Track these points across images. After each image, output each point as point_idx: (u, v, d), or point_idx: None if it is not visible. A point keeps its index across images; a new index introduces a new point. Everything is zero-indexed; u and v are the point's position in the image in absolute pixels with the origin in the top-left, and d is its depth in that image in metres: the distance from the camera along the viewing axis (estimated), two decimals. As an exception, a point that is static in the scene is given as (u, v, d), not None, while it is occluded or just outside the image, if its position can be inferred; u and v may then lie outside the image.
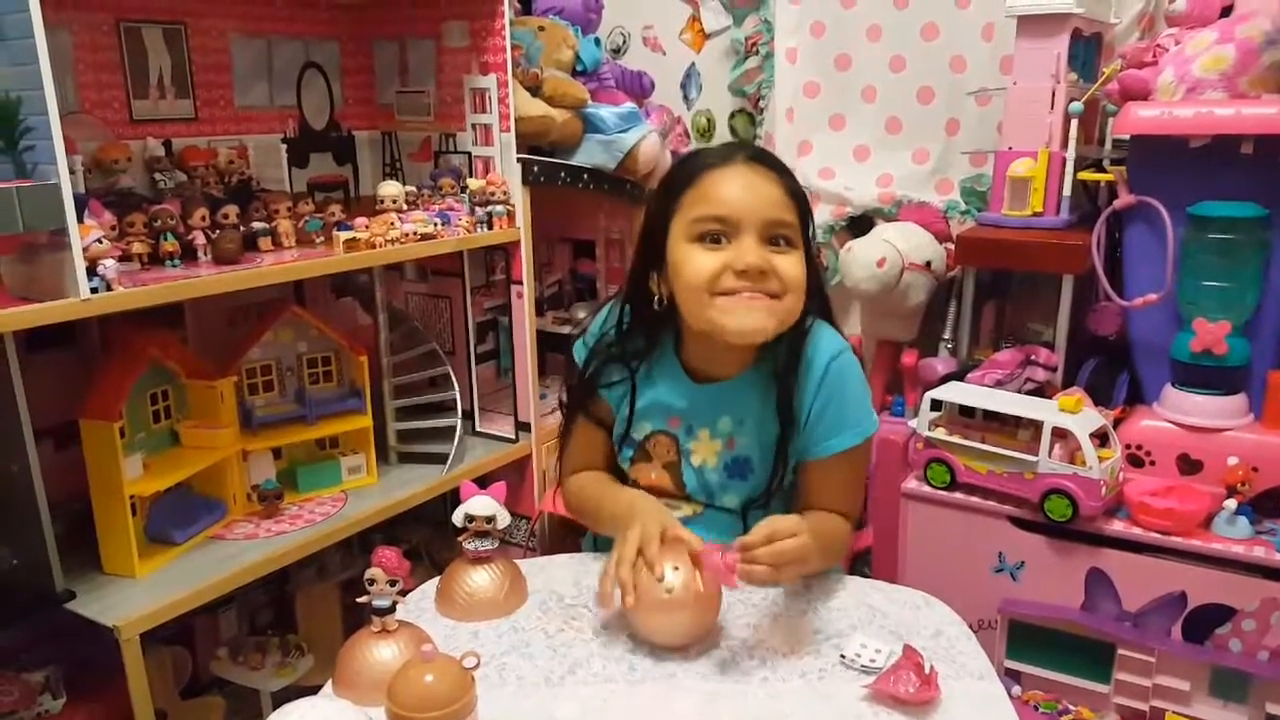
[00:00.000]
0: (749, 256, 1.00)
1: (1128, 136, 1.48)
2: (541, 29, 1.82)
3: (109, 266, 1.16)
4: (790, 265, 1.03)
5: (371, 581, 0.92)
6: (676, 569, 0.94)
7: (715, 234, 1.03)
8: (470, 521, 1.05)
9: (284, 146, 1.77)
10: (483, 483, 1.08)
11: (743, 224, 1.02)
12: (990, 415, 1.45)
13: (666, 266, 1.07)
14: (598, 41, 1.94)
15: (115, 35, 1.49)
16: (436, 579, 1.09)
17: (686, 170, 1.08)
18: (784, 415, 1.08)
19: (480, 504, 1.05)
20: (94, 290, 1.14)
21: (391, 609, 0.92)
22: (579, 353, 1.20)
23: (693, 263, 1.03)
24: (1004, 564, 1.46)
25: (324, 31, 1.83)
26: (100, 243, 1.16)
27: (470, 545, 1.06)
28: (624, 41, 2.24)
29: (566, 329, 2.07)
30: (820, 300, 1.13)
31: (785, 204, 1.04)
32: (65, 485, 1.32)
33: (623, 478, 1.22)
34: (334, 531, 1.50)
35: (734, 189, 1.03)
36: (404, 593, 0.95)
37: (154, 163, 1.52)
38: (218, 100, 1.65)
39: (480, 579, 1.05)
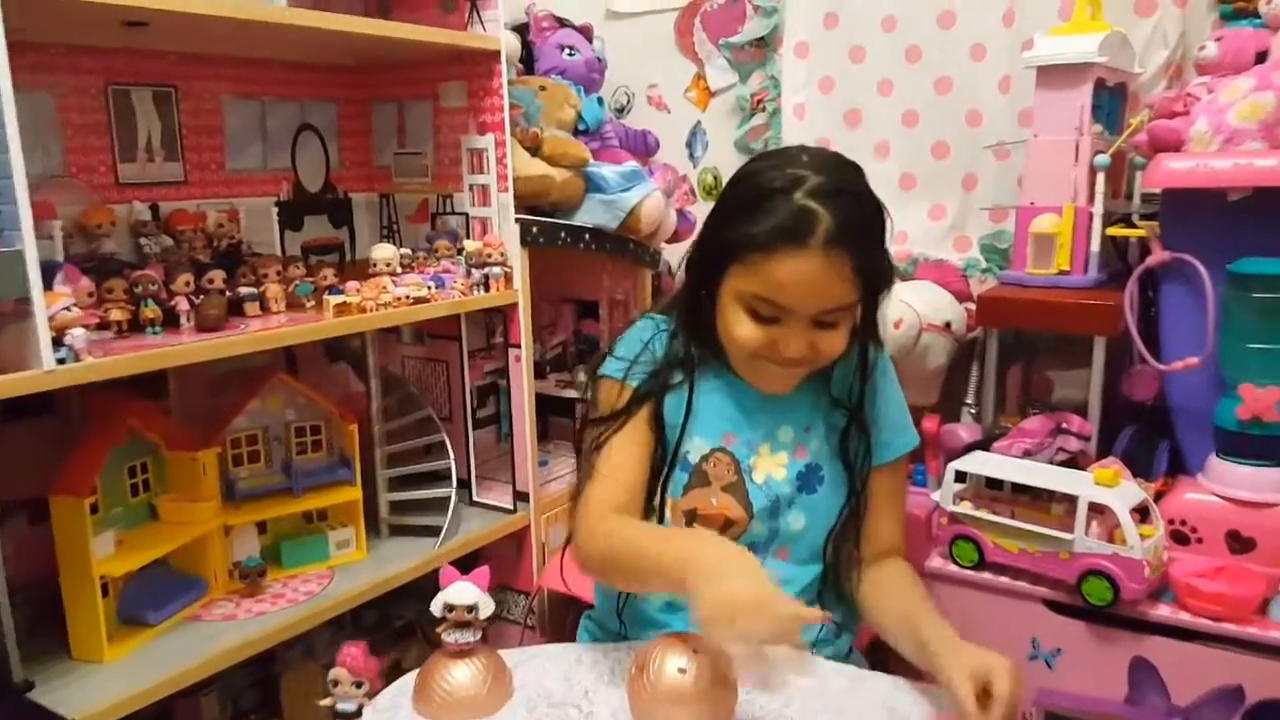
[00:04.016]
0: (793, 350, 1.02)
1: (1159, 190, 1.42)
2: (543, 89, 1.79)
3: (77, 336, 1.11)
4: (830, 341, 1.03)
5: (335, 683, 0.85)
6: (695, 651, 0.87)
7: (769, 313, 1.02)
8: (450, 611, 0.97)
9: (275, 210, 1.73)
10: (474, 560, 1.00)
11: (796, 313, 1.01)
12: (1020, 488, 1.36)
13: (718, 297, 1.06)
14: (600, 101, 1.91)
15: (103, 98, 1.47)
16: (413, 674, 1.00)
17: (761, 227, 0.98)
18: (855, 419, 1.12)
19: (460, 592, 0.97)
20: (60, 361, 1.09)
21: (357, 713, 0.84)
22: (614, 370, 1.11)
23: (741, 329, 1.03)
24: (1039, 651, 1.35)
25: (320, 93, 1.81)
26: (69, 310, 1.11)
27: (449, 637, 0.96)
28: (628, 101, 2.22)
29: (570, 392, 2.00)
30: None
31: (848, 289, 1.00)
32: (38, 563, 1.27)
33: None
34: (319, 611, 1.42)
35: (801, 283, 0.98)
36: (371, 695, 0.87)
37: (139, 227, 1.48)
38: (208, 163, 1.62)
39: (460, 675, 0.95)
